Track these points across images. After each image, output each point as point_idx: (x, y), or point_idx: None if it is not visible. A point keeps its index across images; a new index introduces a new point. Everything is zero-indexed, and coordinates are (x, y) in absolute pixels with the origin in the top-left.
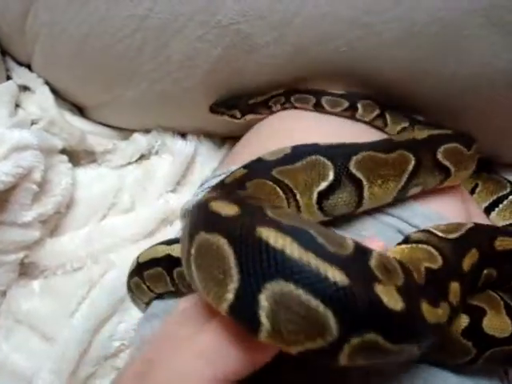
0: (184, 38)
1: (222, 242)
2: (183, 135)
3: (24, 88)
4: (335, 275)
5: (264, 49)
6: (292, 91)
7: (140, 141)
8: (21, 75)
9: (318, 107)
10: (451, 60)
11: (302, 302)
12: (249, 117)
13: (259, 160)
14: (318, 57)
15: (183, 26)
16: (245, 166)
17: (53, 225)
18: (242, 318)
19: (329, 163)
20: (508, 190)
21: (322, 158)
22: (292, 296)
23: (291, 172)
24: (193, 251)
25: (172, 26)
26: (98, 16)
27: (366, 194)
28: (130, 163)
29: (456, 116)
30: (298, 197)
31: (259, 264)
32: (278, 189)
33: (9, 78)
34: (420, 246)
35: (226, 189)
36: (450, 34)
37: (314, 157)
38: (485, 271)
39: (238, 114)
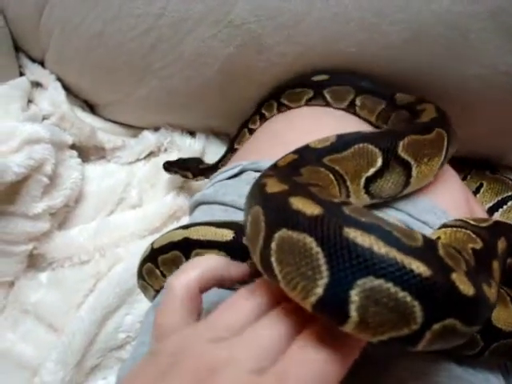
0: (197, 36)
1: (309, 241)
2: (192, 133)
3: (36, 84)
4: (419, 267)
5: (274, 48)
6: (231, 141)
7: (149, 138)
8: (33, 71)
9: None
10: (455, 62)
11: (390, 294)
12: (200, 178)
13: (307, 147)
14: (327, 56)
15: (196, 24)
16: (295, 152)
17: (62, 218)
18: (330, 312)
19: (376, 150)
20: None
21: (369, 146)
22: (381, 290)
23: (341, 160)
24: (273, 246)
25: (185, 25)
26: (111, 14)
27: (414, 173)
28: (138, 160)
29: (460, 114)
30: (348, 183)
31: (349, 262)
32: (331, 175)
33: (21, 74)
34: (459, 229)
35: (281, 172)
36: (456, 37)
37: (361, 145)
38: (509, 260)
39: (190, 175)
